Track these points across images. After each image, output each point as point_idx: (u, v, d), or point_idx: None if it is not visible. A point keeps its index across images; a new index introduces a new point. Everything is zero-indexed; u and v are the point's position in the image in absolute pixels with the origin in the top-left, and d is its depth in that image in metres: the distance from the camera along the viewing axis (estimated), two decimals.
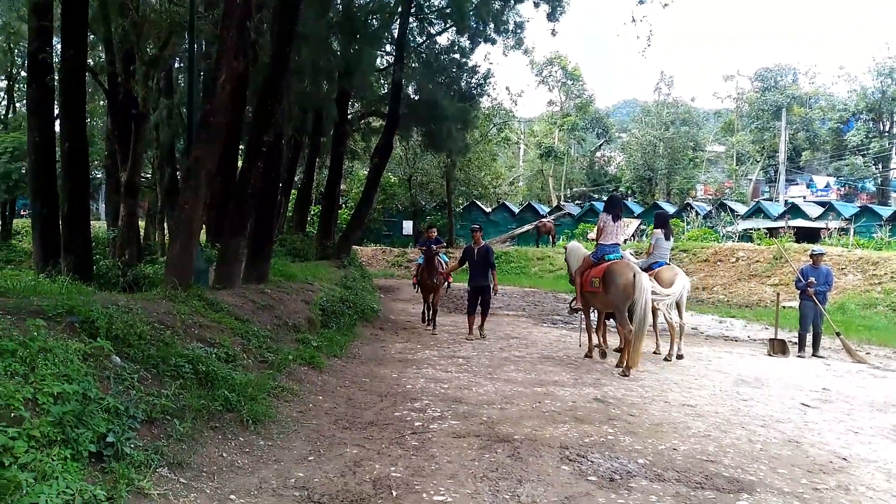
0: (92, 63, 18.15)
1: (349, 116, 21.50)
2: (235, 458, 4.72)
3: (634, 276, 8.94)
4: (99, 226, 24.10)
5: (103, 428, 3.89)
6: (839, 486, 4.89)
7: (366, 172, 27.45)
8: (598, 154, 64.94)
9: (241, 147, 15.61)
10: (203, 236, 13.66)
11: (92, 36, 16.27)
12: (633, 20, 17.94)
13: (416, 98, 20.23)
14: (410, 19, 19.37)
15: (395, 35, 18.99)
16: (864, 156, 48.43)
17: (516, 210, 44.35)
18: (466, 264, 12.42)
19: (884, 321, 16.73)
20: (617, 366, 9.39)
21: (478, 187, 43.85)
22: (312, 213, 31.12)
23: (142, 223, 24.84)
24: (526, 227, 38.58)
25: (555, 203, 51.08)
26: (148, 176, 27.31)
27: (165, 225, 23.08)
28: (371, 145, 24.35)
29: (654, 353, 10.89)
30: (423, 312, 13.88)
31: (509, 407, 6.79)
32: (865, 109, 49.60)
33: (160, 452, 4.20)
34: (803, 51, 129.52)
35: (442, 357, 9.70)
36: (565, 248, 12.22)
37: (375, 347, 10.33)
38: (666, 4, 17.89)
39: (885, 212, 33.71)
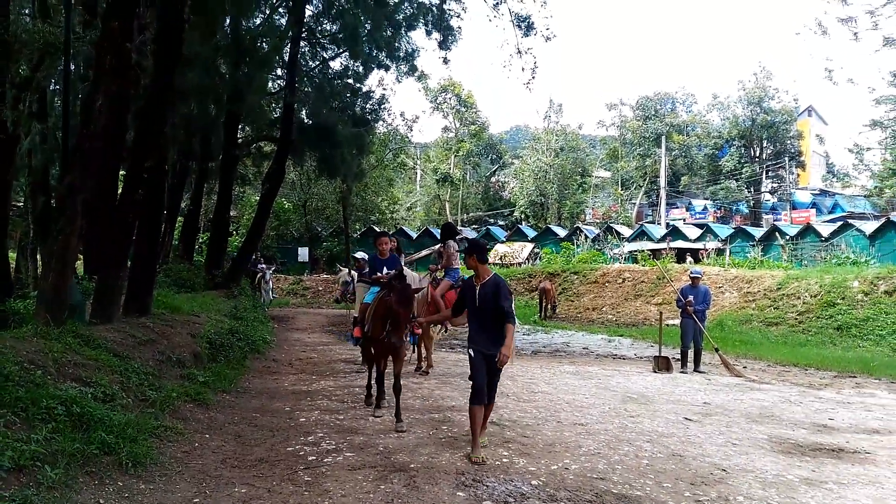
0: None
1: (239, 141, 20.97)
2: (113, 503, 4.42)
3: None
4: None
5: None
6: (719, 496, 5.13)
7: (257, 198, 26.79)
8: (493, 179, 66.43)
9: (121, 173, 14.88)
10: (80, 268, 12.86)
11: None
12: (519, 52, 18.60)
13: (310, 122, 20.01)
14: (302, 43, 19.24)
15: (287, 59, 18.77)
16: (737, 180, 51.95)
17: (414, 235, 44.57)
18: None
19: (758, 336, 17.91)
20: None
21: (375, 212, 43.77)
22: (200, 240, 30.03)
23: (12, 255, 23.12)
24: (424, 252, 38.81)
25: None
26: (19, 205, 25.52)
27: (38, 257, 21.58)
28: (263, 170, 23.80)
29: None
30: (369, 386, 8.50)
31: (406, 435, 6.73)
32: (738, 136, 53.33)
33: (29, 502, 3.93)
34: (681, 79, 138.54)
35: (338, 388, 9.50)
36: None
37: (267, 380, 9.99)
38: (548, 38, 18.68)
39: (757, 233, 36.23)
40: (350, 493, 4.94)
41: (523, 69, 21.34)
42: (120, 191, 11.55)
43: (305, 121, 20.31)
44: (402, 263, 11.22)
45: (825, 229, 32.38)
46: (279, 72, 20.97)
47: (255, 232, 19.70)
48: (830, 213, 45.83)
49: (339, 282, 13.43)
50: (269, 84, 21.07)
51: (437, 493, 4.98)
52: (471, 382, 6.07)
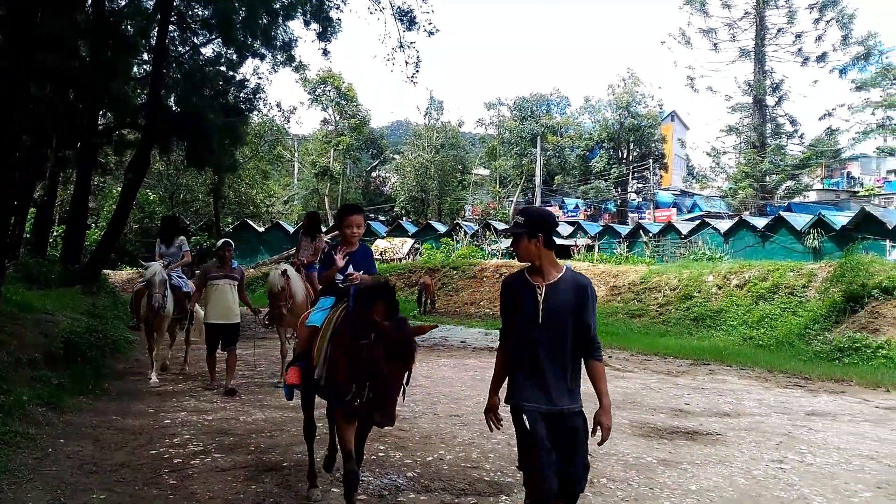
0: None
1: (100, 127, 19.63)
2: None
3: None
4: None
5: None
6: None
7: (119, 189, 25.25)
8: (374, 174, 66.18)
9: None
10: None
11: None
12: (402, 46, 18.60)
13: (178, 110, 19.03)
14: (171, 27, 18.26)
15: (154, 43, 17.76)
16: (606, 180, 54.55)
17: (291, 230, 43.58)
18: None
19: (623, 327, 18.92)
20: None
21: (249, 206, 42.41)
22: (56, 233, 27.96)
23: None
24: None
25: (332, 223, 51.01)
26: None
27: None
28: (125, 159, 22.39)
29: None
30: (312, 468, 4.98)
31: (280, 434, 6.58)
32: (607, 139, 56.01)
33: None
34: (555, 81, 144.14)
35: (207, 387, 9.13)
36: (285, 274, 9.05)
37: (130, 381, 9.44)
38: (431, 33, 18.82)
39: (624, 230, 38.23)
40: (218, 495, 4.77)
41: (407, 63, 21.37)
42: None
43: (173, 108, 19.31)
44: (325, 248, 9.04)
45: (685, 227, 34.63)
46: (145, 56, 19.80)
47: (117, 225, 18.50)
48: (690, 212, 49.07)
49: (155, 282, 8.96)
50: (135, 69, 19.87)
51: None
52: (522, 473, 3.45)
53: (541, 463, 3.26)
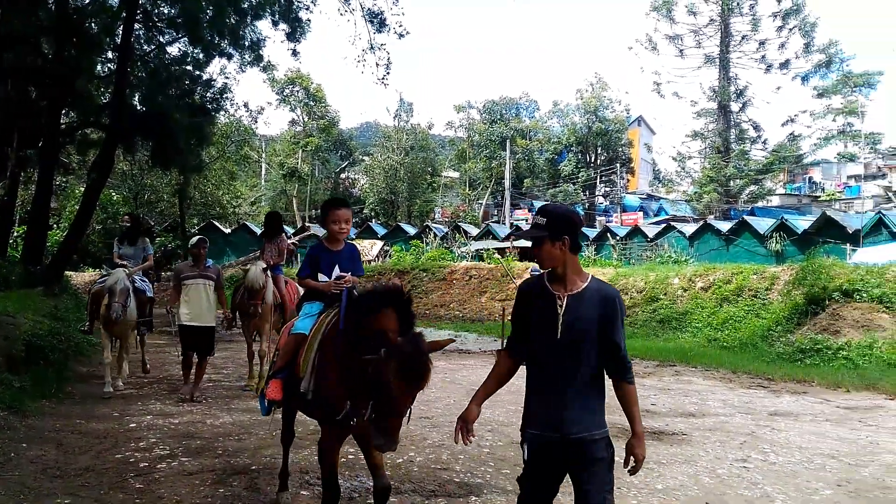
0: None
1: (63, 126, 19.22)
2: None
3: None
4: None
5: None
6: None
7: (82, 189, 24.73)
8: (343, 176, 65.84)
9: None
10: None
11: None
12: (372, 48, 18.55)
13: (143, 109, 18.73)
14: (136, 25, 17.96)
15: (119, 41, 17.46)
16: (574, 184, 55.00)
17: (258, 231, 43.15)
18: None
19: None
20: None
21: (216, 206, 41.88)
22: (17, 234, 27.29)
23: None
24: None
25: (299, 223, 50.61)
26: None
27: None
28: (89, 159, 21.95)
29: None
30: (284, 474, 4.80)
31: (248, 437, 6.52)
32: (575, 143, 56.53)
33: None
34: (525, 85, 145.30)
35: (173, 390, 9.00)
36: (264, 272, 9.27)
37: (94, 385, 9.26)
38: (401, 35, 18.81)
39: (591, 233, 38.59)
40: (185, 499, 4.72)
41: (377, 65, 21.29)
42: None
43: (138, 107, 18.98)
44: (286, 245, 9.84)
45: (651, 231, 35.09)
46: (109, 54, 19.44)
47: (79, 226, 18.11)
48: (656, 215, 49.75)
49: (116, 291, 8.37)
50: (99, 67, 19.50)
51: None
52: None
53: (529, 494, 3.11)
